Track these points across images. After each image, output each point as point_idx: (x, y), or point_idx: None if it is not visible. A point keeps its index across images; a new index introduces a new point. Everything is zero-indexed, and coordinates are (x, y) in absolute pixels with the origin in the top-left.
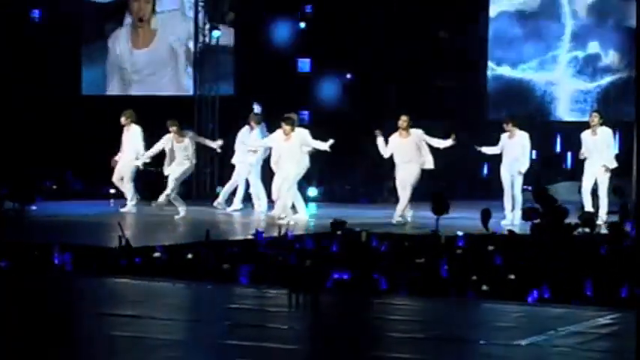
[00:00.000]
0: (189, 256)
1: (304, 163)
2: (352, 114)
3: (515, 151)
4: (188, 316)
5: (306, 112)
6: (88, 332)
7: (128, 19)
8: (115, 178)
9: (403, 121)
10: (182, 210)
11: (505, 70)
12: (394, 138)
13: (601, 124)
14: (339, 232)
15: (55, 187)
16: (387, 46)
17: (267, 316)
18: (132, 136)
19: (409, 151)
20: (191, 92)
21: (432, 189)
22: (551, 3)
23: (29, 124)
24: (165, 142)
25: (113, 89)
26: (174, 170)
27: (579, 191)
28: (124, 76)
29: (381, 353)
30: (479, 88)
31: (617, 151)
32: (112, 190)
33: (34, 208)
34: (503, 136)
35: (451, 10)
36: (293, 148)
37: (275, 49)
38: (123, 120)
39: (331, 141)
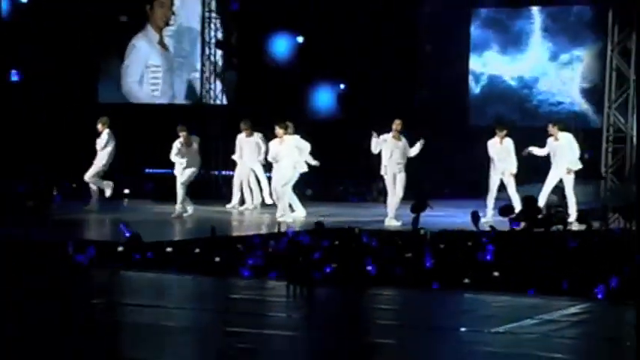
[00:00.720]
0: (197, 250)
1: (300, 166)
2: (344, 121)
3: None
4: (196, 306)
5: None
6: (105, 321)
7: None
8: (87, 176)
9: (397, 124)
10: (190, 208)
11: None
12: (389, 138)
13: (561, 130)
14: (321, 229)
15: (74, 185)
16: (376, 59)
17: (267, 305)
18: (103, 140)
19: (402, 155)
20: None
21: (417, 191)
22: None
23: (52, 127)
24: (176, 146)
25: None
26: (182, 174)
27: (553, 192)
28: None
29: (369, 340)
30: (461, 96)
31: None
32: (126, 191)
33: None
34: (550, 140)
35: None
36: (288, 150)
37: (274, 62)
38: (99, 126)
39: (317, 163)
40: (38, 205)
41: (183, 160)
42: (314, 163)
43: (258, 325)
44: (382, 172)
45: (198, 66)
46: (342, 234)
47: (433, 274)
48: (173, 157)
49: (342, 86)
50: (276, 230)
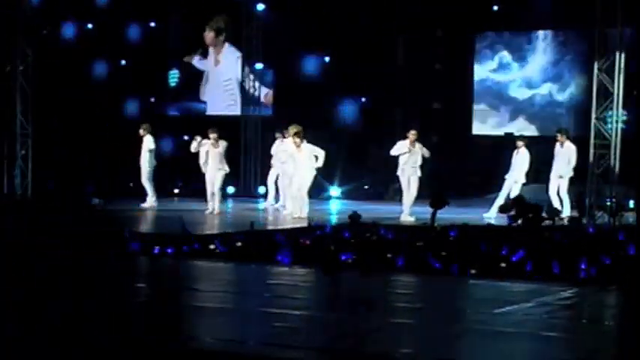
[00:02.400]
0: (239, 243)
1: (313, 171)
2: (366, 130)
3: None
4: (236, 290)
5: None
6: (158, 303)
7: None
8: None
9: (413, 134)
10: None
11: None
12: (406, 145)
13: (567, 139)
14: (354, 223)
15: (131, 184)
16: (395, 76)
17: (296, 289)
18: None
19: (417, 160)
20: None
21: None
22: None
23: (112, 136)
24: (204, 145)
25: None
26: (215, 182)
27: (546, 192)
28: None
29: (387, 319)
30: (465, 107)
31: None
32: (176, 190)
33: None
34: (556, 145)
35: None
36: (306, 157)
37: (305, 78)
38: (141, 132)
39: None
40: (104, 203)
41: (215, 164)
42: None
43: (290, 306)
44: (399, 173)
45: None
46: (364, 228)
47: (446, 263)
48: (194, 149)
49: (363, 99)
50: (307, 224)
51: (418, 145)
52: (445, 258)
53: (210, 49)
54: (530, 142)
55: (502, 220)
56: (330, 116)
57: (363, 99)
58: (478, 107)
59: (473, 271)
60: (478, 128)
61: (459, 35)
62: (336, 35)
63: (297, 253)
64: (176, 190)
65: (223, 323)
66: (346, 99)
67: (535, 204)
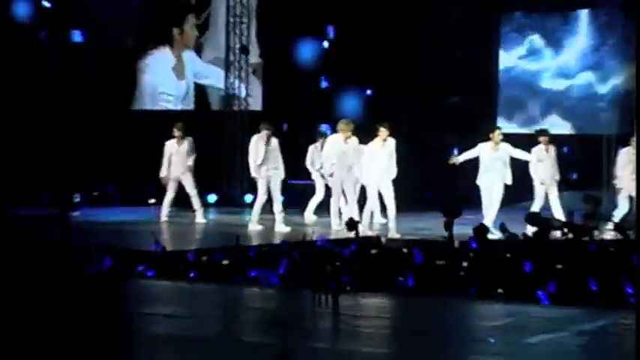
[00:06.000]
0: (225, 262)
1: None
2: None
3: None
4: (219, 315)
5: (327, 125)
6: (127, 331)
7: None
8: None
9: (498, 134)
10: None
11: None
12: (486, 148)
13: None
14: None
15: (95, 194)
16: (405, 64)
17: (293, 315)
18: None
19: (499, 166)
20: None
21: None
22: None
23: (76, 135)
24: (167, 147)
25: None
26: (187, 184)
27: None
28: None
29: (399, 347)
30: (489, 101)
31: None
32: (152, 200)
33: (76, 213)
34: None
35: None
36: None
37: (300, 67)
38: (177, 132)
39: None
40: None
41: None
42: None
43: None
44: (478, 182)
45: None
46: (370, 242)
47: (467, 282)
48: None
49: (368, 92)
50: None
51: (503, 146)
52: (465, 277)
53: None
54: (564, 141)
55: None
56: (329, 109)
57: (369, 91)
58: (504, 101)
59: (499, 291)
60: (504, 126)
61: (482, 16)
62: (336, 16)
63: (289, 272)
64: (152, 200)
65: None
66: (348, 90)
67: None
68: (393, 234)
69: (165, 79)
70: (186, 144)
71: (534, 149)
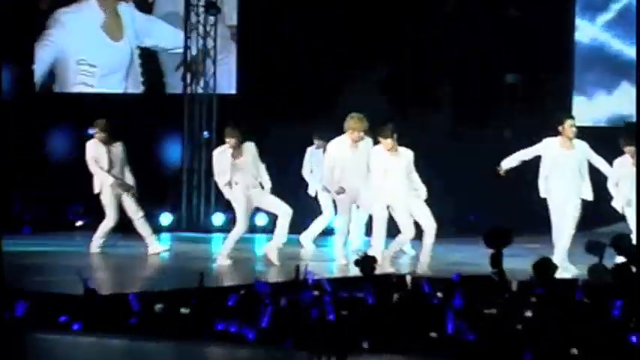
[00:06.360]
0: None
1: None
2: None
3: None
4: None
5: None
6: None
7: None
8: None
9: (571, 124)
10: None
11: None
12: (554, 145)
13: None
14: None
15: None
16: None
17: None
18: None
19: (573, 171)
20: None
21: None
22: None
23: None
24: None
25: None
26: (127, 204)
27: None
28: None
29: None
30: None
31: None
32: (79, 222)
33: None
34: None
35: None
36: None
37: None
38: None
39: None
40: None
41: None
42: None
43: None
44: (544, 194)
45: None
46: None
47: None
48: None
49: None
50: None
51: (579, 144)
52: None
53: None
54: None
55: None
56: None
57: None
58: (581, 83)
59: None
60: (581, 116)
61: None
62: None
63: (273, 324)
64: (79, 223)
65: None
66: (358, 69)
67: None
68: (424, 269)
69: (90, 42)
70: (120, 148)
71: (616, 162)
